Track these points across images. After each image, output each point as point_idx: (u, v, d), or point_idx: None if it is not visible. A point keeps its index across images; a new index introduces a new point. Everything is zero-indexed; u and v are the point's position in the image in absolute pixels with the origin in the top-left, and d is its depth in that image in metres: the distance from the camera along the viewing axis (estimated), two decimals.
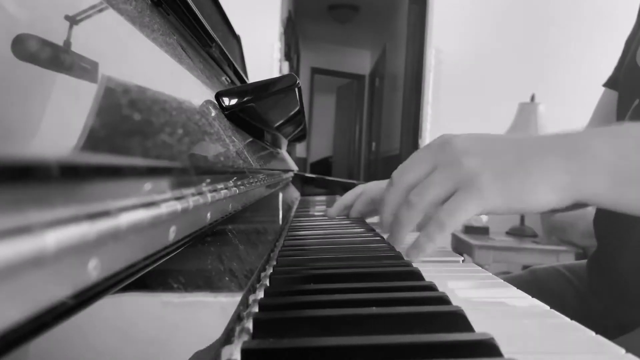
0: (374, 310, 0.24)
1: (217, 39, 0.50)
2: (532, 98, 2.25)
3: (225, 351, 0.20)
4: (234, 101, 0.41)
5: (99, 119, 0.16)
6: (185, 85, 0.32)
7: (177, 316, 0.19)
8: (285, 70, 2.74)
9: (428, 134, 2.71)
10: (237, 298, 0.24)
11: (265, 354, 0.20)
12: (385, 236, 0.48)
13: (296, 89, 0.45)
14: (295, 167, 1.08)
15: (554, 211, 0.41)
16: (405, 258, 0.40)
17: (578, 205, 0.40)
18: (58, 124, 0.14)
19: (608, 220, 0.65)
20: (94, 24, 0.20)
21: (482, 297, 0.32)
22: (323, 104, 6.12)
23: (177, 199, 0.19)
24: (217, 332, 0.20)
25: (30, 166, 0.10)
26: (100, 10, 0.22)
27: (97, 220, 0.12)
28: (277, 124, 0.52)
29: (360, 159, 5.86)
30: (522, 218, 2.21)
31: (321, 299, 0.27)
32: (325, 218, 0.71)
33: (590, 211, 0.78)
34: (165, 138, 0.20)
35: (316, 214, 0.81)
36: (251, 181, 0.38)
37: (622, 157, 0.36)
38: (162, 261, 0.19)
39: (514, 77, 2.62)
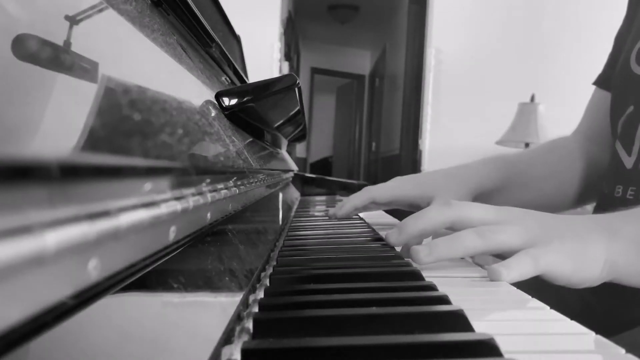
0: (374, 310, 0.24)
1: (217, 39, 0.50)
2: (532, 98, 2.25)
3: (226, 351, 0.20)
4: (234, 101, 0.41)
5: (99, 119, 0.16)
6: (185, 86, 0.32)
7: (177, 316, 0.19)
8: (285, 70, 2.74)
9: (428, 134, 2.71)
10: (237, 298, 0.24)
11: (265, 354, 0.20)
12: (382, 235, 0.48)
13: (296, 89, 0.45)
14: (295, 167, 1.08)
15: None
16: (490, 277, 0.36)
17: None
18: (58, 123, 0.14)
19: None
20: (94, 24, 0.20)
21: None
22: (323, 104, 6.11)
23: (177, 199, 0.19)
24: (217, 332, 0.20)
25: (30, 166, 0.10)
26: (100, 10, 0.22)
27: (97, 220, 0.12)
28: (277, 124, 0.52)
29: (360, 159, 5.86)
30: None
31: (321, 299, 0.27)
32: (326, 218, 0.71)
33: (589, 210, 0.78)
34: (165, 138, 0.20)
35: (316, 214, 0.81)
36: (251, 181, 0.38)
37: None
38: (162, 261, 0.19)
39: (514, 77, 2.62)
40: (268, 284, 0.31)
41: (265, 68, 2.47)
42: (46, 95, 0.14)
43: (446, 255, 0.38)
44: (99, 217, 0.12)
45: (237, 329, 0.23)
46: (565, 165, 0.73)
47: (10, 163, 0.10)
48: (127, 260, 0.15)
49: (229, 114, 0.42)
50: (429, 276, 0.34)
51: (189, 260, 0.22)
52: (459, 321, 0.23)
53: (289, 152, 1.18)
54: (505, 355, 0.20)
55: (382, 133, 4.69)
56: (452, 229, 0.41)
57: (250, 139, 0.48)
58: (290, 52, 3.43)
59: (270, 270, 0.35)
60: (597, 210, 0.67)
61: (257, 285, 0.31)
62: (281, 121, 0.52)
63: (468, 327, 0.23)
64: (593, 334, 0.24)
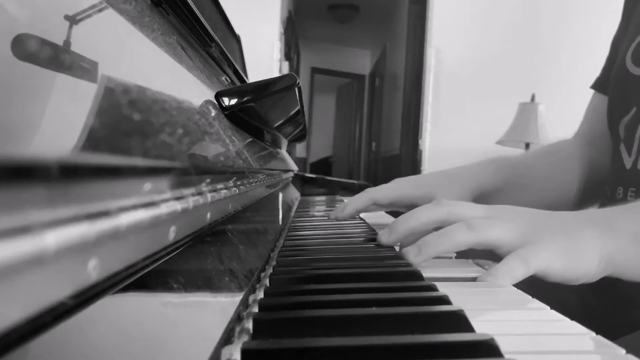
0: (374, 310, 0.24)
1: (217, 39, 0.50)
2: (532, 98, 2.25)
3: (225, 351, 0.20)
4: (233, 101, 0.41)
5: (99, 119, 0.16)
6: (185, 85, 0.32)
7: (176, 316, 0.19)
8: (285, 70, 2.74)
9: (428, 134, 2.71)
10: (237, 298, 0.24)
11: (265, 354, 0.20)
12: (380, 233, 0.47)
13: (296, 89, 0.45)
14: (295, 167, 1.08)
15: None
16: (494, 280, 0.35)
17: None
18: (58, 123, 0.14)
19: None
20: (94, 24, 0.20)
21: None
22: (323, 104, 6.11)
23: (177, 199, 0.19)
24: (217, 333, 0.20)
25: (30, 166, 0.10)
26: (100, 10, 0.22)
27: (97, 220, 0.12)
28: (277, 123, 0.52)
29: (360, 159, 5.86)
30: None
31: (321, 299, 0.27)
32: (326, 218, 0.71)
33: None
34: (165, 138, 0.20)
35: (316, 214, 0.81)
36: (251, 181, 0.38)
37: None
38: (162, 261, 0.19)
39: (514, 77, 2.62)
40: (268, 284, 0.31)
41: (265, 68, 2.47)
42: (46, 95, 0.14)
43: (436, 252, 0.37)
44: (98, 217, 0.12)
45: (237, 329, 0.23)
46: (566, 168, 0.73)
47: (10, 163, 0.09)
48: (126, 260, 0.15)
49: (228, 113, 0.41)
50: (429, 276, 0.34)
51: (189, 260, 0.22)
52: (459, 321, 0.23)
53: (289, 152, 1.18)
54: (506, 356, 0.20)
55: (382, 133, 4.69)
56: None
57: (250, 139, 0.48)
58: (290, 51, 3.43)
59: (270, 271, 0.35)
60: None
61: (257, 286, 0.31)
62: (281, 121, 0.52)
63: (468, 328, 0.23)
64: (593, 334, 0.24)
